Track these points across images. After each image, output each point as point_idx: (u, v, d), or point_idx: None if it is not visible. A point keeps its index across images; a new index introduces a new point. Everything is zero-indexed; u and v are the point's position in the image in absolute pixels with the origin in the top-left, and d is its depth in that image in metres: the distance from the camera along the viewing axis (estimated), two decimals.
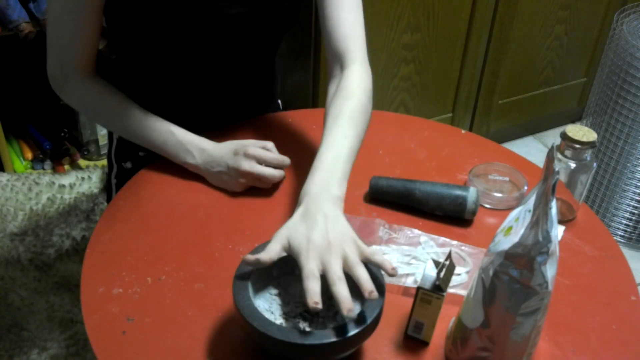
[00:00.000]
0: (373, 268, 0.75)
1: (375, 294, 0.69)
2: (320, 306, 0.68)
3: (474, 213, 0.97)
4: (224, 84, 1.12)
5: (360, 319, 0.69)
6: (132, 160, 1.19)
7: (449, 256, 0.75)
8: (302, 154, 1.06)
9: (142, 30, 1.02)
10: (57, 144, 2.01)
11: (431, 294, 0.74)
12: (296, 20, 1.11)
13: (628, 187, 2.03)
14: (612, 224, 2.11)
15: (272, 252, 0.74)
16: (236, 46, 1.07)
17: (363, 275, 0.71)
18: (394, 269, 0.73)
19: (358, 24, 1.03)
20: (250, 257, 0.73)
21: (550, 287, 0.67)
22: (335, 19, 1.02)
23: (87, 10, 0.97)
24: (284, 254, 0.75)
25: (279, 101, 1.31)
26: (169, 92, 1.12)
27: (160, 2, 0.97)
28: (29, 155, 2.01)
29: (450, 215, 0.98)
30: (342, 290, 0.69)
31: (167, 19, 0.98)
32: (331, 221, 0.76)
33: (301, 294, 0.77)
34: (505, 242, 0.67)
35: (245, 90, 1.16)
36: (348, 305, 0.68)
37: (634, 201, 2.04)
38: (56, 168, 2.02)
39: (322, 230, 0.75)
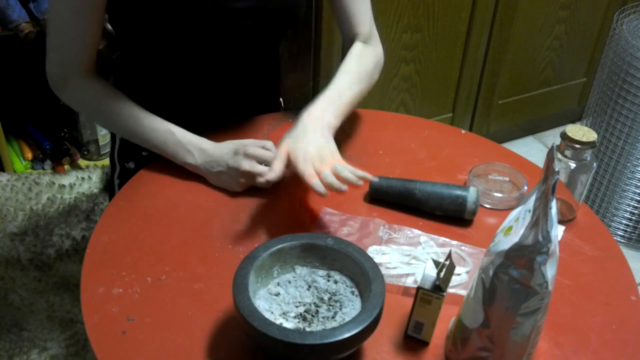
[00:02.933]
0: (373, 266, 0.75)
1: (359, 182, 0.88)
2: (323, 189, 0.86)
3: (474, 213, 0.97)
4: (227, 80, 1.12)
5: (360, 319, 0.69)
6: (135, 160, 1.19)
7: (449, 256, 0.75)
8: None
9: (146, 24, 1.02)
10: (57, 144, 2.01)
11: (431, 294, 0.74)
12: (301, 15, 1.11)
13: (628, 187, 2.03)
14: (612, 224, 2.11)
15: (277, 170, 0.90)
16: (240, 41, 1.07)
17: (345, 172, 0.88)
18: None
19: (366, 3, 1.16)
20: (262, 181, 0.96)
21: (550, 287, 0.67)
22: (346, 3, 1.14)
23: (89, 10, 0.97)
24: (284, 167, 0.91)
25: (281, 99, 1.31)
26: (172, 91, 1.12)
27: None
28: (29, 155, 2.01)
29: (450, 215, 0.98)
30: (342, 168, 0.89)
31: (173, 12, 0.98)
32: (325, 142, 0.94)
33: (301, 294, 0.77)
34: (505, 242, 0.67)
35: (249, 87, 1.17)
36: (352, 175, 0.88)
37: (634, 201, 2.04)
38: (56, 168, 2.02)
39: (318, 146, 0.93)
